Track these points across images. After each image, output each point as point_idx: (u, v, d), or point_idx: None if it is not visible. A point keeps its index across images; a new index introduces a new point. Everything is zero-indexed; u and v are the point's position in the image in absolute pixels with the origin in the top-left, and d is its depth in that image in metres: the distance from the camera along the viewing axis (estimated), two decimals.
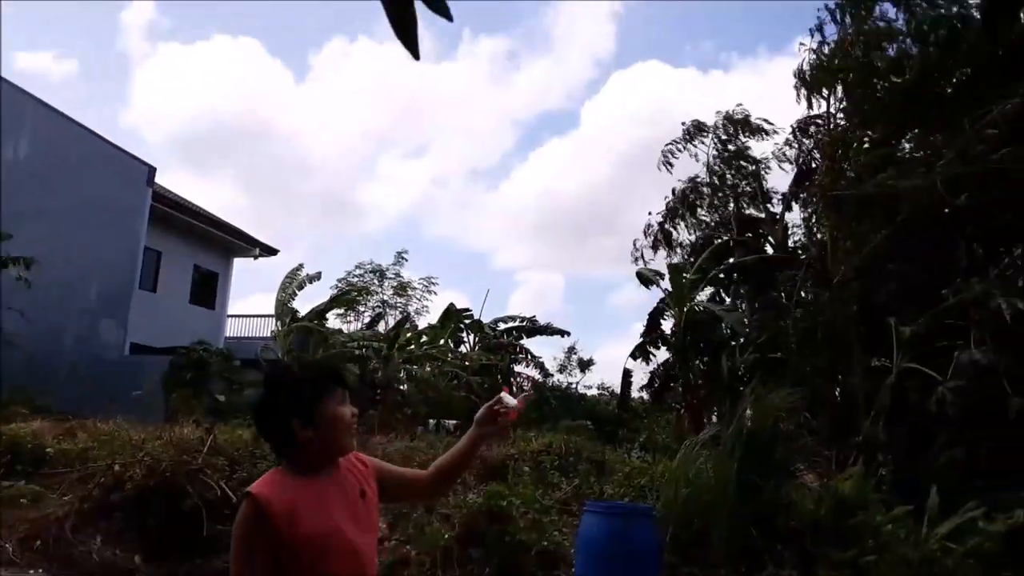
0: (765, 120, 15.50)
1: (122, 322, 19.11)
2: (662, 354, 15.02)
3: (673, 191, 16.04)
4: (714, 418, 12.72)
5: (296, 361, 2.66)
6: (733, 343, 12.21)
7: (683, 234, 15.85)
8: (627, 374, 14.71)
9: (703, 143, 15.79)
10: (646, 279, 14.84)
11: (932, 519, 6.02)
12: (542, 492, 8.10)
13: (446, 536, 6.41)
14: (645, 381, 15.15)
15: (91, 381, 15.83)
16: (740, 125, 15.59)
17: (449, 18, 1.34)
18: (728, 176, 15.71)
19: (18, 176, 19.08)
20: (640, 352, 14.16)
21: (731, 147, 15.72)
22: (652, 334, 14.24)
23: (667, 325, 14.75)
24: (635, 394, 20.94)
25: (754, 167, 15.51)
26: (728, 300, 14.51)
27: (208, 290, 23.85)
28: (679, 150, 15.78)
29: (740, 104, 15.85)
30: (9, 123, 19.89)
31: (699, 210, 15.82)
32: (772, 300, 12.81)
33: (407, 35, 1.33)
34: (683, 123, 15.97)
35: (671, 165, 15.74)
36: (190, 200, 24.37)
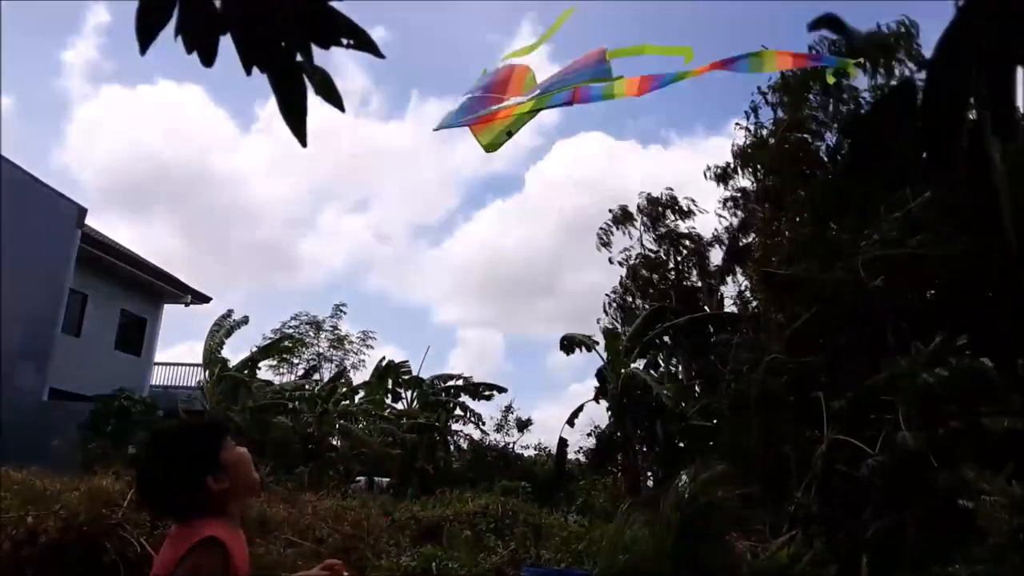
0: (692, 200, 16.38)
1: (41, 366, 18.21)
2: (599, 416, 15.11)
3: (621, 278, 16.67)
4: (650, 482, 12.79)
5: (173, 424, 2.46)
6: (669, 409, 12.38)
7: (639, 305, 16.40)
8: (563, 443, 14.75)
9: (633, 226, 16.59)
10: (578, 343, 15.00)
11: None
12: (478, 555, 7.96)
13: None
14: (583, 442, 15.19)
15: (5, 427, 14.96)
16: (666, 207, 16.48)
17: (341, 108, 1.37)
18: (662, 253, 16.44)
19: None
20: (573, 417, 14.22)
21: (660, 228, 16.50)
22: (590, 400, 14.35)
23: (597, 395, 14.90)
24: (572, 455, 20.95)
25: (692, 244, 16.20)
26: (663, 367, 14.79)
27: (135, 336, 23.00)
28: (611, 232, 16.57)
29: (669, 188, 16.78)
30: None
31: (650, 288, 16.44)
32: (706, 365, 13.09)
33: (296, 122, 1.36)
34: (610, 210, 16.80)
35: (608, 245, 16.44)
36: (121, 244, 23.67)
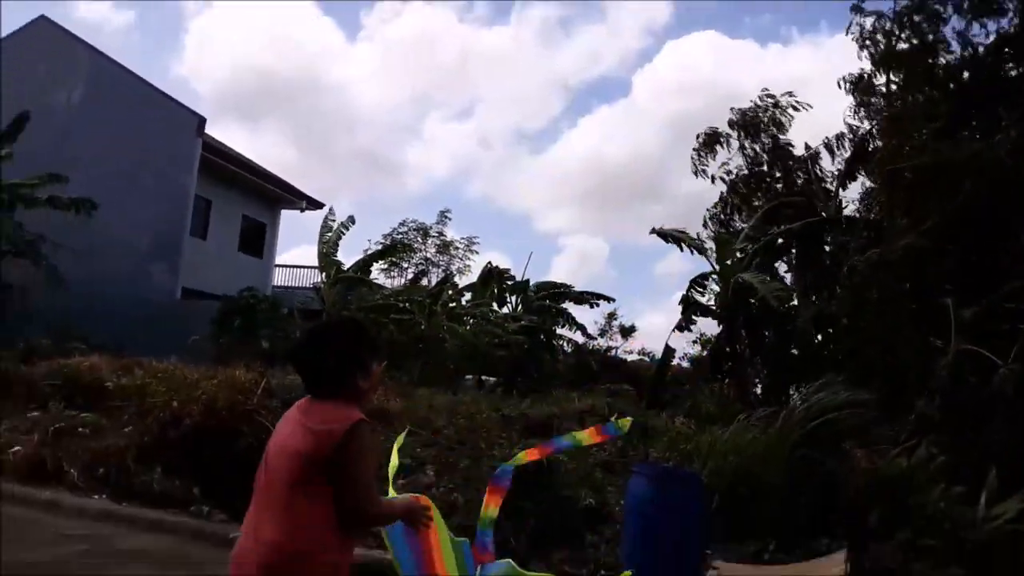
0: (805, 105, 15.38)
1: (174, 267, 19.54)
2: (709, 325, 14.91)
3: (722, 193, 16.04)
4: (758, 390, 12.65)
5: (344, 318, 2.95)
6: (781, 316, 12.03)
7: (739, 224, 15.82)
8: (669, 351, 14.63)
9: (731, 141, 15.74)
10: (675, 239, 14.56)
11: (990, 500, 5.93)
12: (586, 452, 8.17)
13: None
14: (689, 349, 15.08)
15: (144, 323, 16.25)
16: (775, 111, 15.50)
17: None
18: (768, 164, 15.63)
19: (73, 122, 19.44)
20: (684, 323, 14.04)
21: (765, 137, 15.60)
22: (697, 305, 14.09)
23: (713, 296, 14.60)
24: (677, 361, 20.89)
25: (805, 154, 15.35)
26: (776, 272, 14.32)
27: (256, 239, 24.23)
28: (708, 153, 15.84)
29: (788, 93, 15.75)
30: (64, 70, 20.22)
31: (753, 200, 15.74)
32: (822, 272, 12.58)
33: None
34: (698, 135, 16.00)
35: (705, 170, 15.80)
36: (239, 151, 24.64)
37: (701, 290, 14.01)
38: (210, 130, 21.21)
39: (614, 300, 25.83)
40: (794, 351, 11.93)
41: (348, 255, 21.79)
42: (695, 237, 14.58)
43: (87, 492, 7.05)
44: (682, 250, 14.29)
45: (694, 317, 14.03)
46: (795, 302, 12.08)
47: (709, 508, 5.94)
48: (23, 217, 16.13)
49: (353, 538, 2.29)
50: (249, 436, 6.94)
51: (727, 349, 13.32)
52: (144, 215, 19.26)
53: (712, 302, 13.97)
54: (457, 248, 26.97)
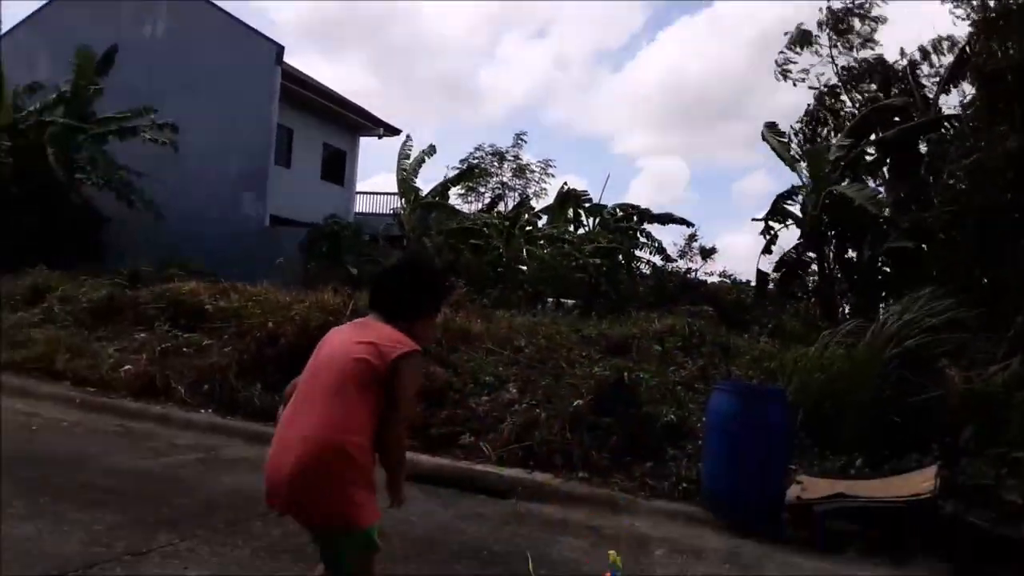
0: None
1: (261, 196, 20.14)
2: (793, 240, 14.47)
3: (808, 106, 15.18)
4: (846, 308, 12.31)
5: (439, 272, 3.08)
6: (873, 229, 11.54)
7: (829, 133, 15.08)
8: (762, 276, 14.27)
9: (820, 44, 14.73)
10: (783, 157, 14.01)
11: None
12: (667, 369, 8.20)
13: (575, 403, 6.61)
14: (772, 268, 14.71)
15: (236, 250, 16.90)
16: (866, 16, 14.40)
17: None
18: (857, 73, 14.65)
19: (157, 54, 19.92)
20: (769, 241, 13.65)
21: (855, 41, 14.57)
22: (784, 218, 13.66)
23: (798, 210, 14.10)
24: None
25: (900, 60, 14.35)
26: (868, 184, 13.68)
27: (337, 167, 24.65)
28: (792, 56, 14.88)
29: None
30: (147, 5, 20.62)
31: (841, 112, 14.92)
32: (917, 183, 11.93)
33: None
34: (786, 32, 14.94)
35: (788, 73, 14.86)
36: (317, 80, 24.85)
37: (790, 203, 13.54)
38: (289, 60, 21.43)
39: (693, 225, 25.30)
40: (885, 267, 11.49)
41: (426, 182, 21.96)
42: (789, 152, 14.02)
43: (194, 407, 7.55)
44: (781, 159, 13.75)
45: (780, 234, 13.64)
46: (888, 213, 11.51)
47: (794, 424, 5.92)
48: (117, 151, 16.82)
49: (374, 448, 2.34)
50: None
51: (814, 266, 12.92)
52: (230, 146, 19.78)
53: (798, 220, 13.51)
54: (533, 171, 26.80)
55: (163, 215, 16.51)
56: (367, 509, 2.26)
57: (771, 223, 13.75)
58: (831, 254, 12.72)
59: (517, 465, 6.14)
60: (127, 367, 8.17)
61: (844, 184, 11.83)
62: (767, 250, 13.68)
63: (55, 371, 8.21)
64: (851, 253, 12.89)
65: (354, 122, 24.62)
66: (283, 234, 18.71)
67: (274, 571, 3.59)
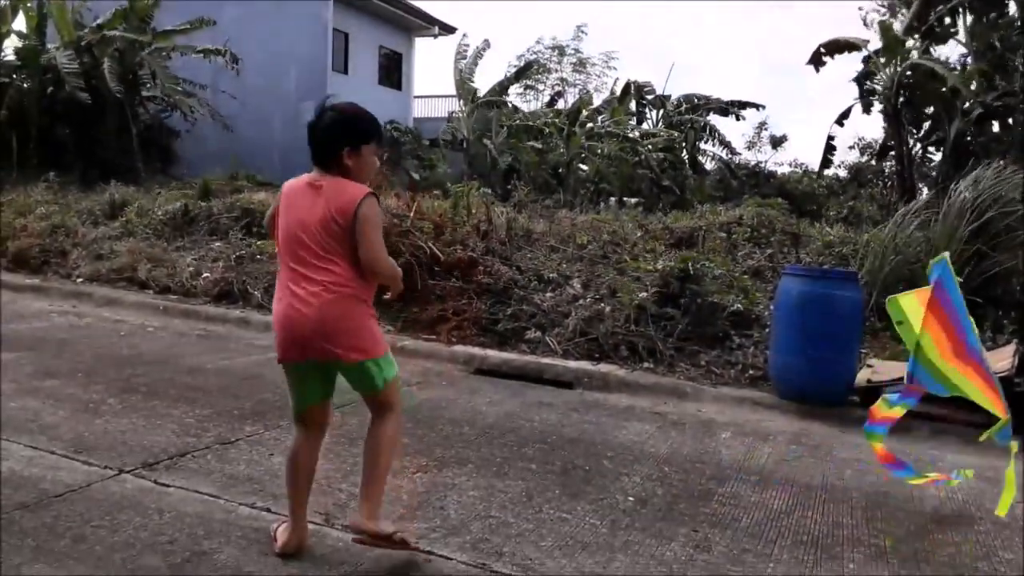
0: None
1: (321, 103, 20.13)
2: (869, 127, 13.75)
3: None
4: (924, 190, 11.75)
5: (355, 106, 3.07)
6: (954, 104, 10.82)
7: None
8: (830, 143, 13.64)
9: None
10: (841, 47, 13.18)
11: None
12: (733, 260, 8.07)
13: (640, 295, 6.60)
14: (845, 156, 14.08)
15: (300, 159, 17.04)
16: None
17: None
18: None
19: None
20: (843, 116, 12.98)
21: None
22: (863, 92, 12.92)
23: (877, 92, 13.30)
24: (833, 170, 19.66)
25: None
26: (948, 57, 12.76)
27: (394, 71, 24.37)
28: None
29: None
30: None
31: None
32: (1003, 54, 11.03)
33: None
34: None
35: None
36: None
37: (866, 82, 12.78)
38: None
39: (763, 107, 24.30)
40: (968, 144, 10.82)
41: (484, 83, 21.48)
42: (859, 39, 13.13)
43: (270, 310, 7.82)
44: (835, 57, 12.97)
45: (858, 119, 12.92)
46: (972, 87, 10.76)
47: (865, 307, 5.78)
48: (180, 65, 16.96)
49: (371, 286, 2.78)
50: (406, 254, 7.36)
51: (888, 144, 12.27)
52: (289, 55, 19.72)
53: (876, 102, 12.76)
54: (594, 65, 25.93)
55: (230, 127, 16.74)
56: (380, 340, 2.82)
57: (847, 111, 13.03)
58: (910, 132, 12.03)
59: (583, 358, 6.23)
60: (205, 275, 8.50)
61: (923, 56, 11.03)
62: (840, 122, 12.93)
63: (138, 281, 8.62)
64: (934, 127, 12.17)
65: (409, 22, 24.13)
66: None
67: (354, 456, 3.78)
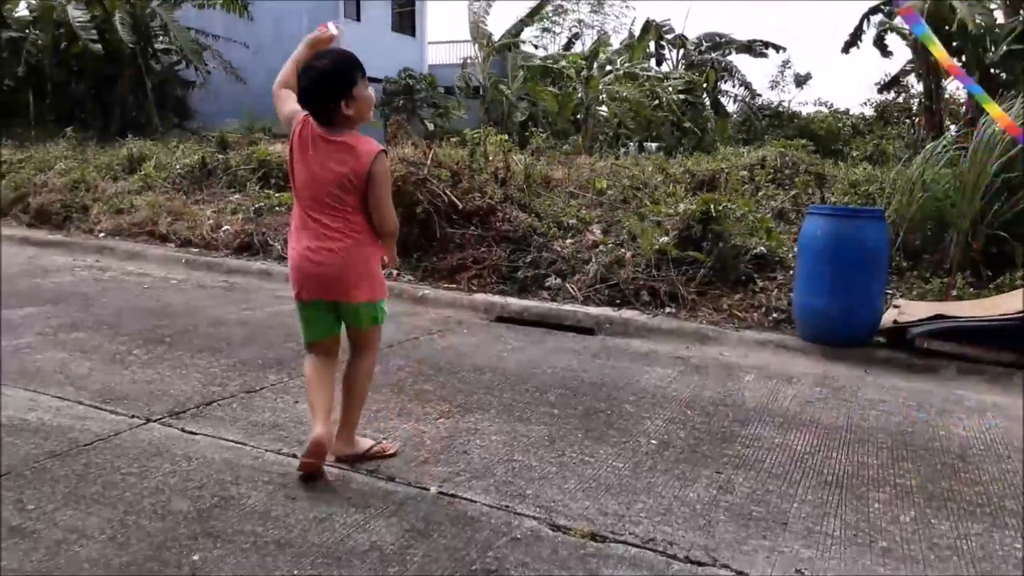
0: None
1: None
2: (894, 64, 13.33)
3: None
4: (951, 127, 11.43)
5: (330, 54, 3.07)
6: (981, 36, 10.42)
7: None
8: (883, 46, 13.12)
9: None
10: None
11: None
12: (756, 202, 7.94)
13: (661, 239, 6.52)
14: (870, 94, 13.70)
15: None
16: None
17: None
18: None
19: None
20: (850, 41, 12.57)
21: None
22: (883, 39, 12.52)
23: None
24: (858, 109, 19.20)
25: None
26: None
27: (407, 18, 23.95)
28: None
29: None
30: None
31: None
32: None
33: None
34: None
35: None
36: None
37: (889, 20, 12.36)
38: None
39: (784, 49, 23.67)
40: (1000, 73, 10.45)
41: (500, 27, 21.02)
42: None
43: None
44: None
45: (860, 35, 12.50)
46: (1000, 20, 10.35)
47: (891, 246, 5.67)
48: (192, 17, 16.77)
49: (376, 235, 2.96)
50: (424, 203, 7.31)
51: (917, 77, 11.88)
52: (299, 3, 19.40)
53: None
54: (612, 5, 25.29)
55: (243, 79, 16.59)
56: (382, 286, 3.06)
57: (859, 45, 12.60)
58: (936, 68, 11.65)
59: (604, 304, 6.20)
60: (225, 227, 8.52)
61: None
62: (846, 49, 12.48)
63: (159, 234, 8.66)
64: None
65: None
66: None
67: (376, 402, 3.81)
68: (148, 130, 14.44)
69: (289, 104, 3.00)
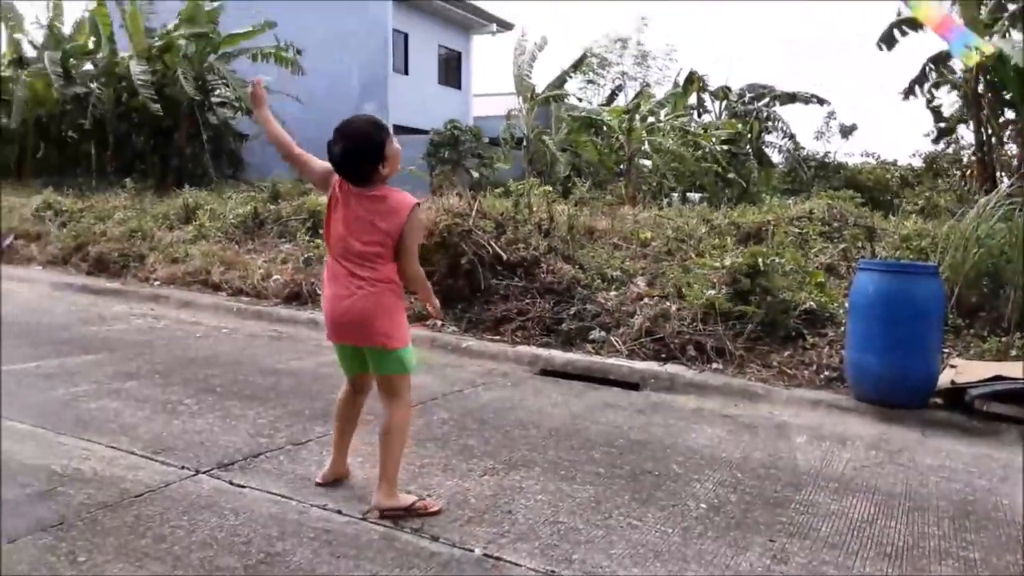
0: None
1: (383, 105, 20.42)
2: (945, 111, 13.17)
3: None
4: (1005, 180, 11.19)
5: (358, 124, 3.29)
6: None
7: None
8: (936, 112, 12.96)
9: None
10: (913, 24, 12.62)
11: None
12: (805, 255, 7.84)
13: (707, 293, 6.46)
14: (920, 145, 13.54)
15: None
16: None
17: None
18: None
19: None
20: (911, 89, 12.43)
21: None
22: (936, 87, 12.40)
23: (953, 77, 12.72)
24: (907, 159, 18.96)
25: None
26: None
27: (453, 70, 24.54)
28: None
29: None
30: None
31: None
32: None
33: None
34: None
35: None
36: None
37: (942, 70, 12.24)
38: None
39: (828, 103, 23.54)
40: None
41: (543, 79, 21.39)
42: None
43: None
44: (916, 30, 12.43)
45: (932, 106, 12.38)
46: None
47: (946, 303, 5.53)
48: (245, 68, 17.38)
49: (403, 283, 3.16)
50: (469, 253, 7.37)
51: (969, 127, 11.70)
52: (350, 57, 20.05)
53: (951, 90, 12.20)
54: (655, 59, 25.58)
55: (293, 133, 17.07)
56: (406, 334, 3.18)
57: (918, 92, 12.48)
58: (990, 120, 11.48)
59: (649, 358, 6.13)
60: (275, 277, 8.69)
61: (999, 39, 10.48)
62: (907, 94, 12.30)
63: (212, 283, 8.87)
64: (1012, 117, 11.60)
65: (468, 20, 24.26)
66: (406, 142, 18.88)
67: (421, 457, 3.80)
68: (203, 180, 14.93)
69: (316, 164, 3.25)
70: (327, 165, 3.12)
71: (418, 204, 3.08)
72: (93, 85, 16.91)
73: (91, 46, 17.56)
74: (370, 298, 3.04)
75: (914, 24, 12.27)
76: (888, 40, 12.85)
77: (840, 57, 55.78)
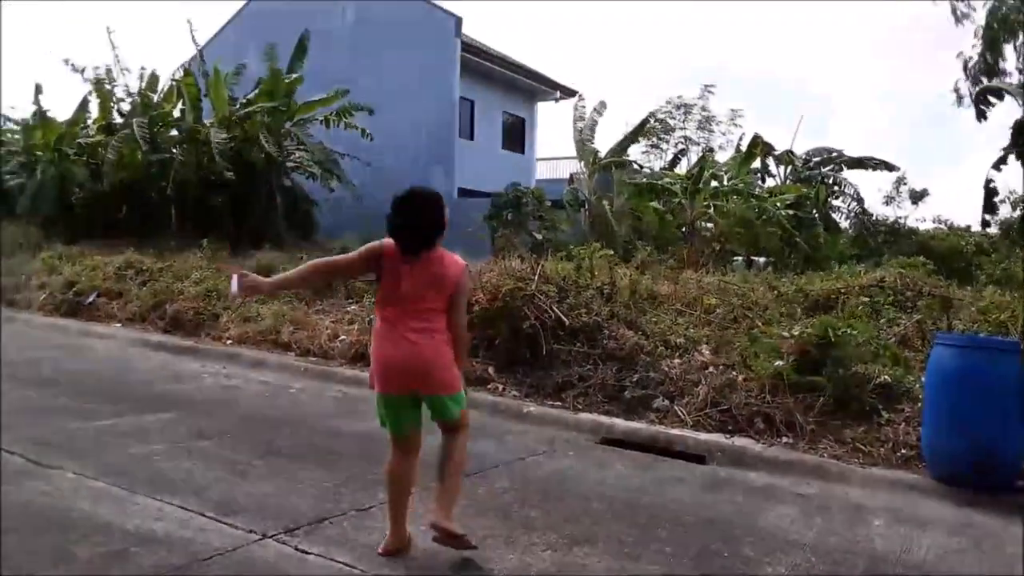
0: None
1: (449, 169, 20.94)
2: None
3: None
4: None
5: (421, 192, 3.52)
6: None
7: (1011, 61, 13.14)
8: (990, 188, 12.76)
9: None
10: (995, 91, 12.44)
11: None
12: (877, 326, 7.61)
13: (776, 363, 6.31)
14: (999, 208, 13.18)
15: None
16: None
17: None
18: None
19: (347, 41, 21.09)
20: (1001, 162, 12.14)
21: None
22: (1015, 148, 12.09)
23: None
24: (978, 227, 18.37)
25: None
26: None
27: (517, 135, 25.06)
28: None
29: None
30: None
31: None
32: None
33: None
34: None
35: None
36: (493, 47, 25.29)
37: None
38: (465, 29, 21.90)
39: (897, 168, 23.06)
40: None
41: (606, 143, 21.65)
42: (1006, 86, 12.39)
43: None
44: (1002, 99, 12.25)
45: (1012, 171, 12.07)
46: None
47: None
48: (318, 134, 18.07)
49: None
50: (530, 317, 7.40)
51: None
52: (418, 122, 20.68)
53: None
54: (720, 123, 25.59)
55: (361, 196, 17.60)
56: (460, 378, 3.50)
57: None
58: None
59: (714, 430, 5.99)
60: (342, 337, 8.86)
61: None
62: (998, 167, 12.06)
63: (282, 343, 9.09)
64: None
65: (532, 87, 24.85)
66: (470, 205, 19.34)
67: (483, 528, 3.76)
68: (276, 242, 15.43)
69: (345, 261, 3.57)
70: (356, 254, 3.46)
71: (466, 265, 3.51)
72: (175, 150, 17.79)
73: (176, 113, 18.53)
74: (434, 348, 3.35)
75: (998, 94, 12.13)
76: (981, 108, 12.70)
77: (921, 119, 54.86)
